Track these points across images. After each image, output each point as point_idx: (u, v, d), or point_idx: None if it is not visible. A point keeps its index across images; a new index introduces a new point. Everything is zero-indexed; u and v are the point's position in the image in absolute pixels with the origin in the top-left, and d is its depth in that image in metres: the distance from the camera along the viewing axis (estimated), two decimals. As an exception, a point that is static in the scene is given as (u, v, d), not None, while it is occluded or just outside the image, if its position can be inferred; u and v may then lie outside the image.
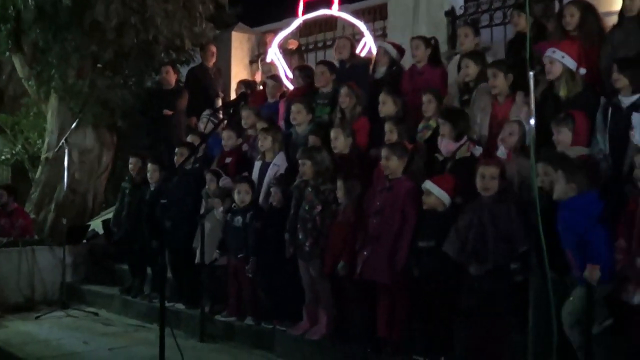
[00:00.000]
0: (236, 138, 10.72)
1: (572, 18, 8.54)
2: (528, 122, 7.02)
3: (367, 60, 11.21)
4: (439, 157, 8.14)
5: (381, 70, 10.24)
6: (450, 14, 12.30)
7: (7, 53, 14.45)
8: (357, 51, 11.68)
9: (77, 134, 13.81)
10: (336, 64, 10.75)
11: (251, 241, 9.19)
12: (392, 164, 7.83)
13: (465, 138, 7.96)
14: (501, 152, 7.59)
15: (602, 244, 6.19)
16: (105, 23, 13.09)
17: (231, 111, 10.49)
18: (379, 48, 10.55)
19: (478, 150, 7.87)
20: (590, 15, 8.56)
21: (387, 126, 8.61)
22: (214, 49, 14.44)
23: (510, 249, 6.71)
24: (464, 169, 7.63)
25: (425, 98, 8.84)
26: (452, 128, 7.98)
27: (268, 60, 13.66)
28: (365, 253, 7.73)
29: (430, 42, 9.88)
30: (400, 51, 10.34)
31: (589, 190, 6.44)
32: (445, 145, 8.07)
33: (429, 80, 9.58)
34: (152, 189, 11.09)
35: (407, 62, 10.36)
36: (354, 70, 10.60)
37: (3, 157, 16.78)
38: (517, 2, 10.20)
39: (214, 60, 14.48)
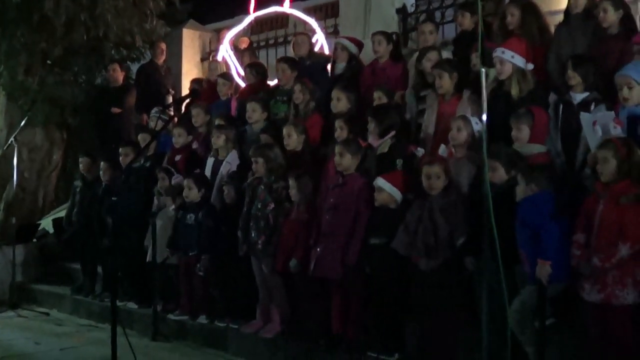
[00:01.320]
0: (187, 135, 10.65)
1: (512, 17, 8.65)
2: (479, 119, 7.14)
3: (327, 57, 11.22)
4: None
5: (340, 66, 10.25)
6: (402, 11, 12.35)
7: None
8: (310, 48, 11.68)
9: (27, 131, 13.60)
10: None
11: (203, 239, 9.15)
12: (346, 161, 7.83)
13: (392, 133, 8.08)
14: (442, 150, 7.65)
15: (554, 240, 6.24)
16: (55, 19, 12.93)
17: (182, 108, 10.41)
18: (336, 44, 10.53)
19: (420, 152, 8.00)
20: (530, 14, 8.66)
21: (338, 123, 8.63)
22: (163, 46, 14.34)
23: (455, 243, 6.82)
24: (383, 165, 7.81)
25: (376, 95, 8.94)
26: (376, 125, 8.12)
27: (219, 57, 13.64)
28: (318, 250, 7.74)
29: (391, 38, 9.93)
30: (359, 45, 10.36)
31: (544, 190, 6.50)
32: (371, 141, 8.23)
33: (391, 75, 9.65)
34: (104, 187, 11.00)
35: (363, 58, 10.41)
36: (314, 67, 10.62)
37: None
38: (465, 1, 10.25)
39: (164, 57, 14.39)
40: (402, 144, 8.12)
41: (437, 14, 11.94)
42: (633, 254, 5.81)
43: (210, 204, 9.44)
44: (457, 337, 6.93)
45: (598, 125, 6.68)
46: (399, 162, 7.84)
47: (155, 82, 14.06)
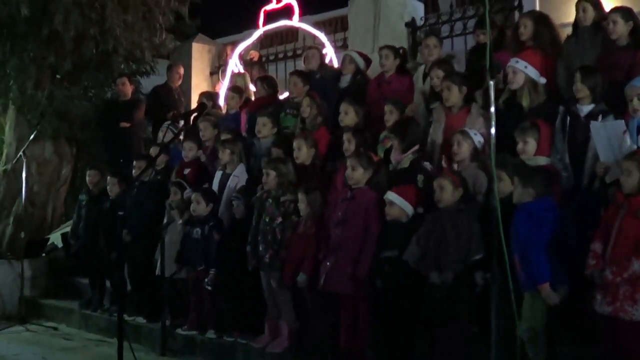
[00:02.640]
0: (197, 149, 10.63)
1: (525, 29, 8.62)
2: (487, 132, 7.10)
3: (337, 71, 11.20)
4: (390, 167, 8.22)
5: (345, 79, 10.27)
6: (411, 25, 12.34)
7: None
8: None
9: (36, 146, 13.60)
10: (305, 74, 10.73)
11: (211, 253, 9.11)
12: (357, 174, 7.81)
13: (414, 148, 8.04)
14: (456, 163, 7.61)
15: (544, 263, 6.26)
16: (64, 34, 12.95)
17: (190, 122, 10.39)
18: (345, 56, 10.57)
19: (428, 166, 7.97)
20: (544, 26, 8.63)
21: (346, 136, 8.62)
22: (181, 70, 14.26)
23: (469, 258, 6.75)
24: (404, 180, 7.72)
25: (387, 108, 8.88)
26: (400, 141, 8.08)
27: (229, 71, 13.63)
28: (328, 264, 7.70)
29: (398, 52, 9.92)
30: (367, 61, 10.37)
31: (544, 197, 6.49)
32: (394, 156, 8.21)
33: (397, 89, 9.63)
34: (111, 201, 10.96)
35: (370, 73, 10.40)
36: (324, 80, 10.60)
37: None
38: (477, 16, 10.26)
39: (179, 82, 14.32)
40: (421, 160, 8.07)
41: (447, 27, 11.94)
42: (646, 270, 5.73)
43: (218, 218, 9.40)
44: (468, 351, 6.85)
45: (627, 134, 6.64)
46: (420, 178, 7.74)
47: (168, 105, 13.91)
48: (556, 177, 7.11)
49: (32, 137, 12.40)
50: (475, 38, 10.07)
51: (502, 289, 5.39)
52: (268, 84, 11.28)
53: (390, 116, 8.79)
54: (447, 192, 7.03)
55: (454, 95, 8.33)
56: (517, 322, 5.40)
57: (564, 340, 6.52)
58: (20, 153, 12.37)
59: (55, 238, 13.50)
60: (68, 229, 12.91)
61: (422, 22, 12.44)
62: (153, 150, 11.20)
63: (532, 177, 6.56)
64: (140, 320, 10.24)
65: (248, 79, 13.12)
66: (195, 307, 9.46)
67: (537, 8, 11.22)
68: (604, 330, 6.03)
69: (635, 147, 6.52)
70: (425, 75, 9.44)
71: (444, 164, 7.72)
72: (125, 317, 9.96)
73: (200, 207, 9.28)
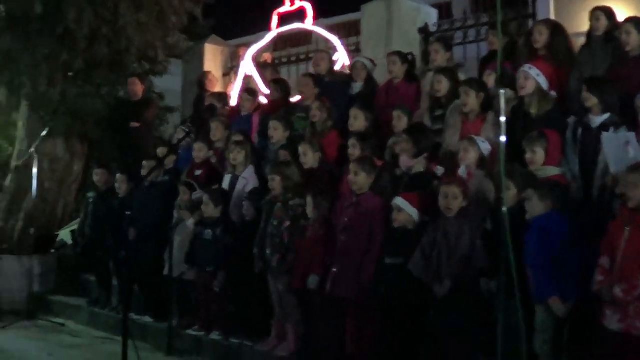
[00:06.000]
0: (207, 150, 10.65)
1: (540, 37, 8.59)
2: (497, 140, 7.11)
3: (346, 75, 11.20)
4: (397, 172, 8.21)
5: (358, 86, 10.27)
6: (424, 30, 12.35)
7: (-23, 59, 14.30)
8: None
9: (48, 142, 13.67)
10: (314, 77, 10.74)
11: (220, 255, 9.13)
12: (360, 180, 7.82)
13: (425, 154, 8.01)
14: (462, 171, 7.59)
15: (553, 276, 6.24)
16: (77, 32, 12.99)
17: (200, 123, 10.42)
18: (356, 62, 10.57)
19: (440, 170, 7.91)
20: (559, 35, 8.61)
21: (351, 142, 8.65)
22: (214, 75, 14.31)
23: (473, 267, 6.74)
24: (418, 184, 7.72)
25: (395, 114, 8.89)
26: (413, 145, 8.06)
27: (241, 73, 13.65)
28: (334, 270, 7.71)
29: (407, 58, 9.92)
30: (374, 65, 10.39)
31: (557, 210, 6.47)
32: (405, 161, 8.15)
33: (405, 95, 9.62)
34: (120, 199, 11.02)
35: (377, 78, 10.41)
36: (333, 85, 10.61)
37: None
38: (490, 21, 10.25)
39: (216, 87, 14.26)
40: (434, 165, 8.05)
41: (460, 34, 11.94)
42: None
43: (229, 220, 9.41)
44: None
45: (630, 146, 6.60)
46: (436, 184, 7.67)
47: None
48: (567, 188, 7.10)
49: (43, 134, 12.43)
50: (489, 42, 10.06)
51: (509, 300, 5.39)
52: (282, 86, 11.29)
53: (399, 122, 8.81)
54: (458, 201, 7.01)
55: (472, 100, 8.25)
56: (523, 334, 5.34)
57: (573, 355, 6.48)
58: (32, 149, 12.41)
59: (65, 235, 13.53)
60: (77, 225, 12.95)
61: (435, 28, 12.43)
62: (160, 151, 11.23)
63: (550, 191, 6.53)
64: (148, 319, 10.28)
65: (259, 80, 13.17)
66: (203, 308, 9.49)
67: (552, 17, 11.22)
68: (613, 346, 5.94)
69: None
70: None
71: (464, 170, 7.63)
72: (133, 316, 10.08)
73: (209, 209, 9.29)
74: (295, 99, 11.45)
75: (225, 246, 9.14)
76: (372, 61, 10.48)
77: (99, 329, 10.98)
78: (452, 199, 7.02)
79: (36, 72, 13.56)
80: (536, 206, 6.50)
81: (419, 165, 8.01)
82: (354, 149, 8.57)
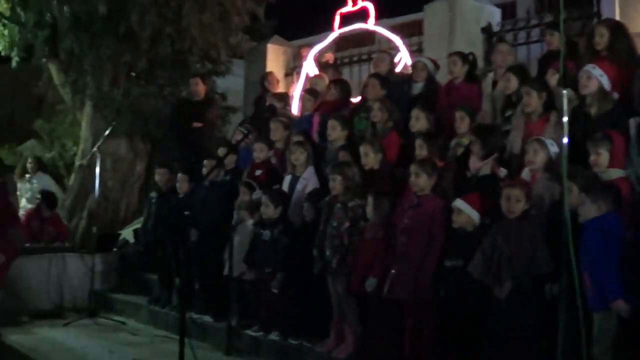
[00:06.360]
0: (267, 150, 10.64)
1: (601, 38, 8.42)
2: (554, 141, 6.99)
3: (406, 76, 11.11)
4: (468, 174, 8.09)
5: (418, 86, 10.19)
6: (487, 30, 12.22)
7: (44, 60, 14.49)
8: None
9: (111, 142, 13.79)
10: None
11: (278, 256, 9.11)
12: (421, 181, 7.74)
13: (494, 155, 7.89)
14: (526, 173, 7.47)
15: (616, 279, 6.10)
16: (140, 32, 13.12)
17: (260, 124, 10.42)
18: (417, 63, 10.48)
19: (503, 172, 7.78)
20: (620, 35, 8.43)
21: (417, 142, 8.55)
22: (275, 76, 14.31)
23: (534, 271, 6.60)
24: (485, 186, 7.60)
25: (458, 115, 8.76)
26: (481, 146, 7.94)
27: (303, 74, 13.64)
28: (393, 272, 7.64)
29: (467, 58, 9.81)
30: (436, 67, 10.30)
31: (613, 211, 6.34)
32: (473, 162, 8.05)
33: (466, 96, 9.50)
34: (180, 199, 11.08)
35: (440, 78, 10.31)
36: (393, 85, 10.51)
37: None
38: (552, 20, 10.09)
39: (278, 87, 14.18)
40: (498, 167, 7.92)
41: (523, 34, 11.79)
42: None
43: (288, 221, 9.38)
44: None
45: None
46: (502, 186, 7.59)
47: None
48: (630, 191, 6.94)
49: (106, 133, 12.54)
50: (546, 42, 9.89)
51: (570, 305, 5.28)
52: (342, 87, 11.24)
53: (462, 123, 8.69)
54: (520, 204, 6.89)
55: (534, 100, 8.13)
56: (584, 341, 5.23)
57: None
58: (95, 148, 12.52)
59: (127, 234, 13.67)
60: (140, 224, 13.07)
61: (498, 28, 12.30)
62: (221, 151, 11.25)
63: (601, 192, 6.40)
64: (207, 319, 10.29)
65: (326, 81, 13.10)
66: (262, 309, 9.48)
67: (617, 16, 11.01)
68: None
69: None
70: (494, 82, 9.31)
71: (527, 173, 7.50)
72: (193, 315, 10.16)
73: (268, 210, 9.28)
74: (357, 99, 11.38)
75: (283, 247, 9.11)
76: (434, 62, 10.38)
77: (159, 328, 11.04)
78: (514, 202, 6.89)
79: (100, 72, 13.78)
80: (589, 208, 6.38)
81: (486, 167, 7.91)
82: (421, 150, 8.48)
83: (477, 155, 8.01)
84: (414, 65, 10.56)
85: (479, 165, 7.97)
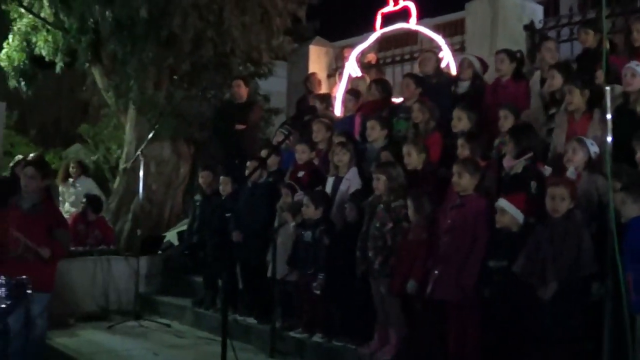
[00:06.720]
0: (310, 152, 10.62)
1: (638, 34, 8.31)
2: (594, 141, 6.89)
3: (452, 76, 11.08)
4: (503, 172, 8.05)
5: (464, 85, 10.14)
6: (530, 27, 12.11)
7: (87, 64, 14.60)
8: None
9: (154, 145, 13.86)
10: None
11: (320, 257, 9.08)
12: (464, 181, 7.68)
13: (528, 154, 7.79)
14: (571, 172, 7.37)
15: None
16: (182, 35, 13.15)
17: (302, 125, 10.40)
18: (463, 60, 10.45)
19: (547, 171, 7.68)
20: None
21: (460, 142, 8.51)
22: (318, 76, 14.36)
23: (579, 271, 6.52)
24: (516, 185, 7.53)
25: (501, 113, 8.71)
26: (514, 145, 7.86)
27: (345, 74, 13.61)
28: (436, 272, 7.60)
29: (515, 56, 9.74)
30: (484, 65, 10.23)
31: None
32: (507, 162, 7.99)
33: (513, 94, 9.45)
34: (222, 201, 11.11)
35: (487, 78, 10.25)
36: (439, 85, 10.47)
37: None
38: (586, 19, 9.99)
39: (320, 88, 14.24)
40: (535, 166, 7.84)
41: (566, 31, 11.66)
42: None
43: (330, 222, 9.35)
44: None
45: None
46: (534, 185, 7.51)
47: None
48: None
49: (150, 136, 12.59)
50: (581, 41, 9.77)
51: (616, 307, 5.19)
52: (383, 87, 11.20)
53: (505, 121, 8.63)
54: (565, 203, 6.80)
55: (576, 98, 8.08)
56: (629, 342, 5.14)
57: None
58: (139, 152, 12.58)
59: (172, 236, 13.72)
60: (184, 227, 13.11)
61: (541, 25, 12.19)
62: (263, 153, 11.25)
63: None
64: (251, 320, 10.30)
65: (368, 82, 13.06)
66: (305, 310, 9.46)
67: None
68: None
69: None
70: (543, 80, 9.21)
71: (572, 172, 7.41)
72: (237, 317, 10.20)
73: (309, 211, 9.26)
74: (399, 99, 11.33)
75: (325, 248, 9.08)
76: (481, 60, 10.29)
77: (203, 330, 11.06)
78: (559, 201, 6.81)
79: (143, 76, 13.82)
80: (631, 208, 6.29)
81: (518, 165, 7.82)
82: (463, 149, 8.44)
83: (511, 154, 7.95)
84: (459, 64, 10.49)
85: (511, 163, 7.90)
